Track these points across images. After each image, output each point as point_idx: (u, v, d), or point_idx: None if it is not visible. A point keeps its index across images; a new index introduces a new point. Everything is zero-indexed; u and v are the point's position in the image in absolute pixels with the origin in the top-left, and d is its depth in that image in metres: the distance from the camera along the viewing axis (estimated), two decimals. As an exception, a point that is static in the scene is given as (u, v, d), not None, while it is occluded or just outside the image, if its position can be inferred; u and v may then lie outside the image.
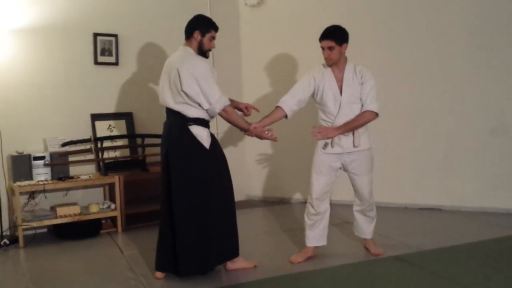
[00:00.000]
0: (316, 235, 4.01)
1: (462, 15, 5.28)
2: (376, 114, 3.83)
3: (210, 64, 3.81)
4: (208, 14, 5.80)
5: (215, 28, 3.75)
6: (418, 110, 5.50)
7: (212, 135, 3.70)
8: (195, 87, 3.50)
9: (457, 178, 5.42)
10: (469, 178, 5.38)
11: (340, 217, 5.19)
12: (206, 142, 3.61)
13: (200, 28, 3.68)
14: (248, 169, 6.31)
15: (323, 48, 3.82)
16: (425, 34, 5.44)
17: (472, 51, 5.28)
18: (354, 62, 3.94)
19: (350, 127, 3.80)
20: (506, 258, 3.98)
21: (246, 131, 3.78)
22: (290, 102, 3.88)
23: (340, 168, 3.98)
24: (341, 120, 3.83)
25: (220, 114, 3.62)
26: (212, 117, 3.69)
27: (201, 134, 3.60)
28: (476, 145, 5.33)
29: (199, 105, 3.56)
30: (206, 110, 3.59)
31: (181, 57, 3.63)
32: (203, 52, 3.71)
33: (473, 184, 5.36)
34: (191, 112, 3.58)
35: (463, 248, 4.22)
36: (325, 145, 3.89)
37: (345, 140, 3.86)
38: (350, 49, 5.44)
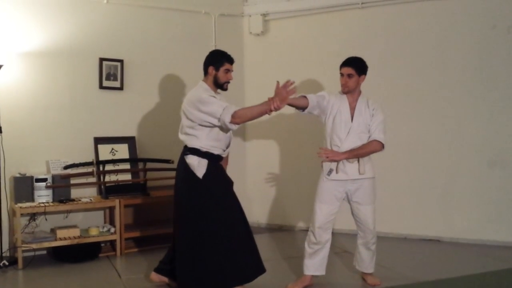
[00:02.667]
0: (315, 264, 4.01)
1: (463, 50, 5.36)
2: (383, 146, 3.91)
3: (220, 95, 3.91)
4: (213, 42, 5.99)
5: (228, 60, 3.86)
6: (418, 142, 5.55)
7: (213, 164, 3.76)
8: (197, 113, 3.65)
9: (456, 210, 5.43)
10: (468, 210, 5.39)
11: (340, 246, 5.19)
12: (199, 171, 3.70)
13: (214, 63, 3.83)
14: (249, 195, 6.33)
15: (342, 75, 3.96)
16: (425, 68, 5.51)
17: (472, 86, 5.35)
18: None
19: (356, 153, 3.87)
20: (503, 291, 3.98)
21: (270, 110, 3.66)
22: (313, 97, 3.96)
23: (344, 198, 4.01)
24: (347, 146, 3.90)
25: (234, 123, 3.61)
26: (228, 130, 3.74)
27: (192, 163, 3.71)
28: (475, 178, 5.36)
29: (212, 126, 3.67)
30: (221, 127, 3.69)
31: (190, 92, 3.85)
32: (219, 85, 3.85)
33: (472, 216, 5.37)
34: (191, 142, 3.74)
35: (460, 280, 4.21)
36: (330, 171, 3.92)
37: (350, 167, 3.90)
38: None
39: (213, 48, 5.99)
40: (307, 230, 4.10)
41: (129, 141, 5.49)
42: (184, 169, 3.75)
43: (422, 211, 5.54)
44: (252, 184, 6.33)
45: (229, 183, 3.92)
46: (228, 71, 3.85)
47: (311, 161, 5.36)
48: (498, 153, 5.28)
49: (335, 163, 3.91)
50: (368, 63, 5.64)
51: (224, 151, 3.86)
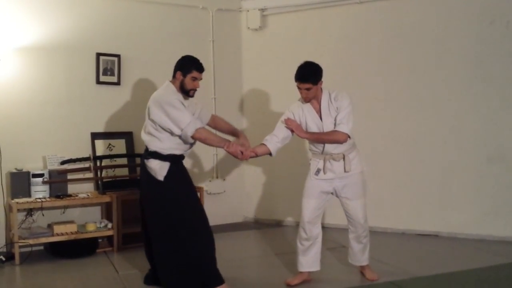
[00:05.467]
0: (308, 260, 4.00)
1: (461, 46, 5.34)
2: (348, 137, 3.82)
3: (191, 101, 3.88)
4: (210, 37, 5.97)
5: (197, 69, 3.77)
6: (416, 138, 5.53)
7: (175, 165, 3.72)
8: (162, 115, 3.61)
9: (454, 205, 5.43)
10: (466, 205, 5.38)
11: (335, 241, 5.19)
12: (159, 175, 3.66)
13: (182, 69, 3.76)
14: (248, 191, 6.32)
15: (300, 88, 3.85)
16: (424, 63, 5.49)
17: (470, 82, 5.33)
18: (342, 87, 4.08)
19: (317, 136, 3.85)
20: (501, 286, 3.98)
21: (225, 148, 3.71)
22: (274, 140, 3.87)
23: (331, 193, 4.00)
24: (327, 149, 3.89)
25: (193, 137, 3.64)
26: (187, 143, 3.72)
27: (153, 167, 3.68)
28: (473, 173, 5.35)
29: (171, 132, 3.63)
30: (179, 136, 3.64)
31: (157, 91, 3.80)
32: (185, 91, 3.76)
33: (470, 211, 5.36)
34: (153, 144, 3.71)
35: (458, 275, 4.21)
36: (318, 171, 3.93)
37: (337, 166, 3.90)
38: (347, 75, 5.52)
39: (211, 43, 5.99)
40: (297, 226, 4.07)
41: (126, 136, 5.47)
42: (146, 173, 3.73)
43: (420, 207, 5.54)
44: (250, 181, 6.32)
45: (191, 183, 3.89)
46: (195, 79, 3.76)
47: (302, 159, 5.36)
48: (496, 149, 5.27)
49: (322, 163, 3.90)
50: (366, 58, 5.69)
51: (186, 151, 3.82)
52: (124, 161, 5.37)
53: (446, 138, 5.44)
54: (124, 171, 5.37)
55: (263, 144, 3.87)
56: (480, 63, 5.28)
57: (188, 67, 3.76)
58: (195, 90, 3.81)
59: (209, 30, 6.02)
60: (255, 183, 6.29)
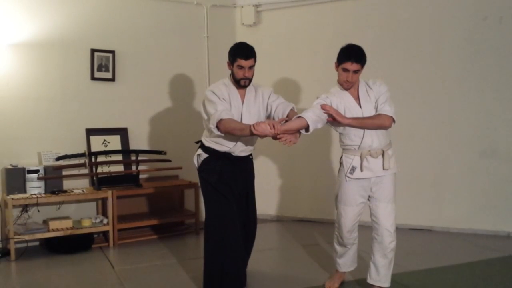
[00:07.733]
0: (347, 261, 3.81)
1: (455, 42, 5.38)
2: (393, 120, 3.47)
3: (252, 94, 3.67)
4: (205, 33, 5.96)
5: (241, 55, 3.46)
6: (409, 132, 5.53)
7: (215, 160, 3.60)
8: (202, 106, 3.58)
9: (447, 200, 5.47)
10: (459, 200, 5.43)
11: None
12: (196, 162, 3.71)
13: (229, 58, 3.54)
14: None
15: (346, 70, 3.44)
16: (417, 59, 5.52)
17: (464, 77, 5.37)
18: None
19: (361, 121, 3.42)
20: (494, 280, 4.01)
21: (250, 131, 3.23)
22: (309, 115, 3.35)
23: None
24: (369, 141, 3.47)
25: (218, 129, 3.38)
26: (231, 139, 3.53)
27: (196, 154, 3.72)
28: (466, 168, 5.39)
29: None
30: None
31: None
32: (236, 81, 3.55)
33: (463, 206, 5.41)
34: (203, 134, 3.70)
35: (451, 269, 4.25)
36: (353, 169, 3.52)
37: (375, 163, 3.51)
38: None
39: (205, 39, 6.00)
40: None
41: (121, 132, 5.47)
42: None
43: (413, 201, 5.57)
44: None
45: (227, 189, 3.56)
46: (241, 67, 3.46)
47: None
48: (489, 144, 5.31)
49: (358, 160, 3.50)
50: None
51: (232, 148, 3.57)
52: (119, 157, 5.37)
53: (439, 133, 5.48)
54: (119, 167, 5.37)
55: (300, 117, 3.33)
56: (474, 58, 5.31)
57: (232, 55, 3.50)
58: (246, 79, 3.52)
59: (203, 26, 6.02)
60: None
